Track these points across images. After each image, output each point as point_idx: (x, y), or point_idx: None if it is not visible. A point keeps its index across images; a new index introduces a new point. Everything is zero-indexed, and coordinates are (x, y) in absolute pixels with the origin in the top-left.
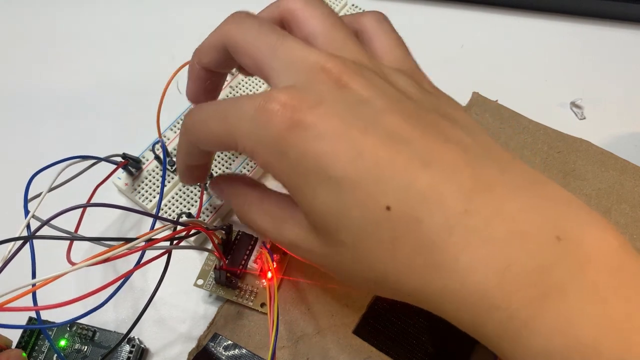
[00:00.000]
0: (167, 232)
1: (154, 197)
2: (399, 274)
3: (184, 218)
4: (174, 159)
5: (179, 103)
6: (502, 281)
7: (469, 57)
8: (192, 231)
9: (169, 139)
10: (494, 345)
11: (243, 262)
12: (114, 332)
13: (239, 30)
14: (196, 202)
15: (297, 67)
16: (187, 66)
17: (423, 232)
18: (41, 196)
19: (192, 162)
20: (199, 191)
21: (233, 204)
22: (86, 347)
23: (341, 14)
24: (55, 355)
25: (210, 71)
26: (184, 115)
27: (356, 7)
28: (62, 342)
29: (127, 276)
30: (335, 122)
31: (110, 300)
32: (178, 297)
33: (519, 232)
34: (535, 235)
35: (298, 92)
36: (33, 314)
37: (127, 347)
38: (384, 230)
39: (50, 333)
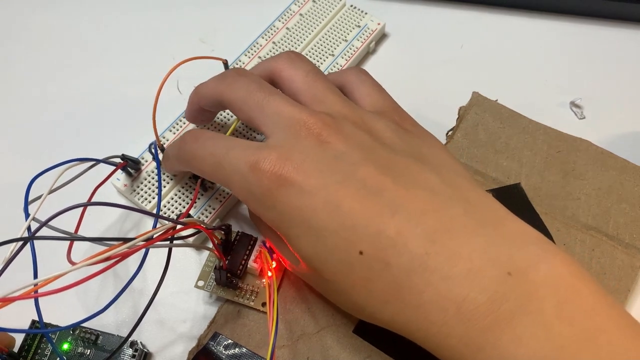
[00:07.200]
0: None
1: (153, 199)
2: (373, 307)
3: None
4: None
5: (178, 103)
6: (458, 313)
7: (469, 57)
8: (192, 230)
9: (167, 140)
10: None
11: (243, 262)
12: (117, 335)
13: (231, 90)
14: (196, 203)
15: (283, 123)
16: (182, 65)
17: (392, 273)
18: (41, 198)
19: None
20: (200, 193)
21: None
22: (89, 350)
23: (340, 14)
24: (58, 358)
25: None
26: (182, 138)
27: (354, 7)
28: (65, 346)
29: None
30: (316, 178)
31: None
32: (178, 298)
33: (474, 270)
34: (488, 272)
35: (285, 152)
36: (36, 316)
37: (130, 351)
38: (358, 272)
39: (52, 337)
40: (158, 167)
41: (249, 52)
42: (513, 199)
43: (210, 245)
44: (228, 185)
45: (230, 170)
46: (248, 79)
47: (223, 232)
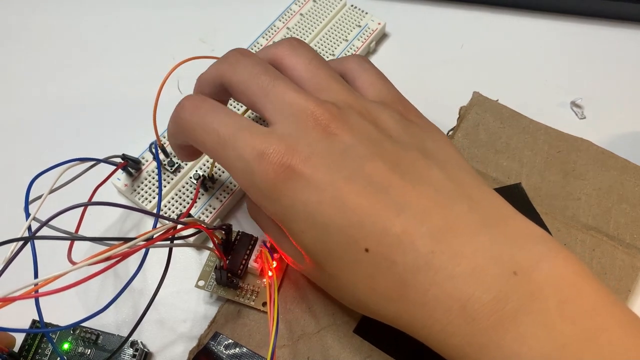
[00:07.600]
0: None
1: (154, 198)
2: (377, 304)
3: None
4: (175, 160)
5: None
6: (463, 312)
7: (469, 57)
8: (192, 230)
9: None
10: None
11: (243, 261)
12: (117, 335)
13: (234, 72)
14: (196, 203)
15: (288, 111)
16: (182, 65)
17: (397, 271)
18: (42, 198)
19: (181, 143)
20: (201, 193)
21: (247, 203)
22: (89, 350)
23: (340, 14)
24: (59, 358)
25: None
26: (180, 105)
27: (355, 7)
28: (66, 346)
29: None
30: (323, 173)
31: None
32: (179, 297)
33: (478, 269)
34: (492, 270)
35: (292, 143)
36: (36, 316)
37: (130, 351)
38: (363, 268)
39: (53, 337)
40: (159, 166)
41: None
42: (513, 198)
43: (211, 245)
44: (229, 170)
45: (234, 156)
46: (252, 61)
47: (224, 232)
